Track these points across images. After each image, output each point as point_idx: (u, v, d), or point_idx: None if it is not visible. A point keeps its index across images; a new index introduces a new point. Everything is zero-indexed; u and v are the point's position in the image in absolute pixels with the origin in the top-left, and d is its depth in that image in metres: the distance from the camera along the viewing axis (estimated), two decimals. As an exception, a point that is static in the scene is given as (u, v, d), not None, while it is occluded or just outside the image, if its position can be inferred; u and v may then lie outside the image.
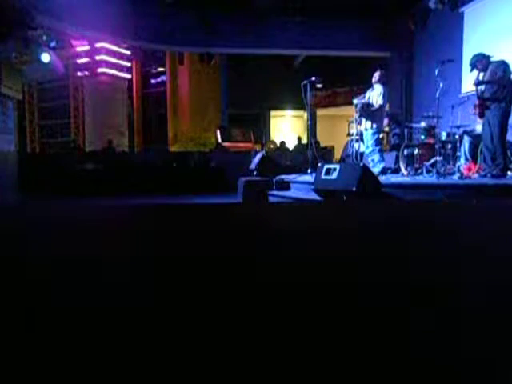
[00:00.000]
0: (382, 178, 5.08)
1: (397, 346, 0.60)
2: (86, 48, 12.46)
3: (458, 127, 5.67)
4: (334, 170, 4.37)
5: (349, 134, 7.76)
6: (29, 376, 0.53)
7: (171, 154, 10.62)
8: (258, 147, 10.81)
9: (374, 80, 5.95)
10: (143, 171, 8.48)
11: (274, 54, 11.79)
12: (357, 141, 6.01)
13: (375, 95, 5.84)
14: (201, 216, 2.37)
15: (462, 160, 5.52)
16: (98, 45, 12.33)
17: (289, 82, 11.88)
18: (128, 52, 13.04)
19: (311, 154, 6.56)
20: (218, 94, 13.75)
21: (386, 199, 4.15)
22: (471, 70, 4.91)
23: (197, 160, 9.30)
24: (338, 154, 9.97)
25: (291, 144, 12.11)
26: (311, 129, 7.31)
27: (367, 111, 5.82)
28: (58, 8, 8.44)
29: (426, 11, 9.24)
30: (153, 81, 15.16)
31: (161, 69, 14.38)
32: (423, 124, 6.54)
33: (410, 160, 6.15)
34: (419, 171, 5.82)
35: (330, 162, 5.96)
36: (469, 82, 5.86)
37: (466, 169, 5.19)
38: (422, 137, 6.47)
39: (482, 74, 4.82)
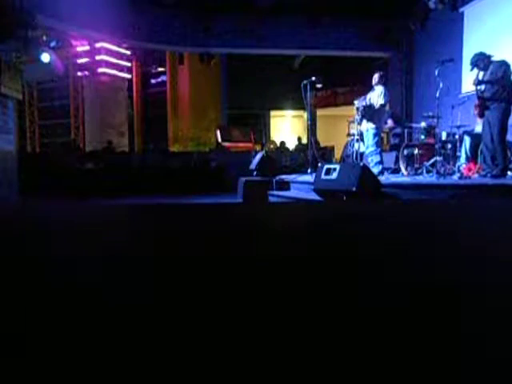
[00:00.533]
0: (382, 178, 5.09)
1: (397, 346, 0.60)
2: (86, 48, 12.47)
3: (458, 127, 5.68)
4: (334, 170, 4.37)
5: (349, 134, 7.78)
6: (29, 376, 0.53)
7: (171, 154, 10.62)
8: (257, 147, 10.81)
9: (373, 82, 5.98)
10: (143, 171, 8.48)
11: (273, 54, 11.80)
12: (357, 141, 6.02)
13: (376, 96, 5.86)
14: (201, 216, 2.37)
15: (462, 160, 5.52)
16: (97, 45, 12.34)
17: (289, 82, 11.91)
18: (128, 52, 13.06)
19: (311, 154, 6.57)
20: (218, 93, 13.75)
21: (385, 199, 4.15)
22: (472, 69, 4.90)
23: (197, 160, 9.30)
24: (338, 154, 9.97)
25: (291, 144, 12.12)
26: (311, 129, 7.31)
27: (369, 112, 5.84)
28: (58, 8, 8.45)
29: (425, 11, 9.24)
30: (153, 81, 15.15)
31: (161, 69, 14.36)
32: (423, 124, 6.55)
33: (410, 160, 6.16)
34: (419, 171, 5.83)
35: (330, 162, 5.97)
36: (469, 81, 5.86)
37: (465, 169, 5.19)
38: (422, 137, 6.48)
39: (481, 74, 4.81)
